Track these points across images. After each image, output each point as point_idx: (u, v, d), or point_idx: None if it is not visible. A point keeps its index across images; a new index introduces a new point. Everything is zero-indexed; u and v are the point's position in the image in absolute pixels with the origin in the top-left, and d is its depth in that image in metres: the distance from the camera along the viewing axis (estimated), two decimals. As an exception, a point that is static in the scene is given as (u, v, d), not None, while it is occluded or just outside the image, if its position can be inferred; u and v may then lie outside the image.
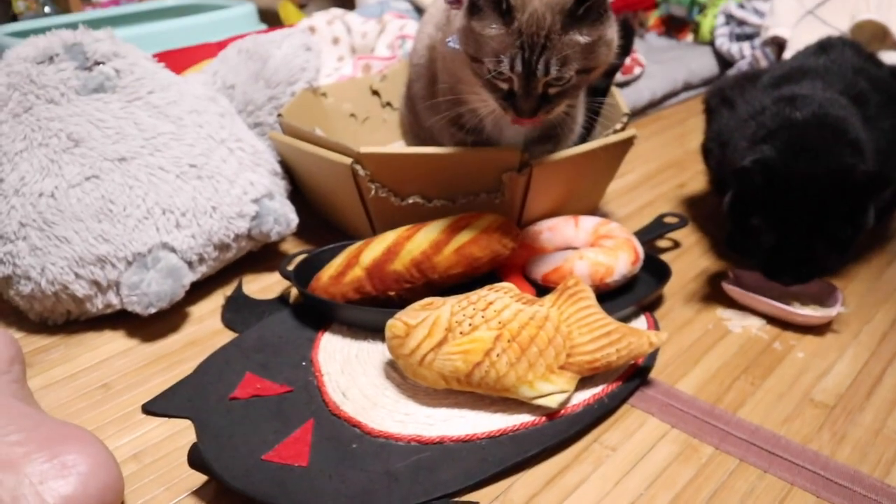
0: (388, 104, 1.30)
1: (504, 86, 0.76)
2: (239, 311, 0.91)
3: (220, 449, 0.67)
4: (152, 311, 0.85)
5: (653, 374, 0.78)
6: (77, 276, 0.85)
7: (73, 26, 0.97)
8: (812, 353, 0.81)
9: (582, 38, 0.73)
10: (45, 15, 1.84)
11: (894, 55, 1.47)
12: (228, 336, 0.87)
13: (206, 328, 0.89)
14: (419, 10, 1.73)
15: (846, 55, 1.02)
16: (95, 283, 0.86)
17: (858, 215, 0.81)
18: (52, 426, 0.64)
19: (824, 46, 1.07)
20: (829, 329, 0.85)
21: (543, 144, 0.94)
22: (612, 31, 0.77)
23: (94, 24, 0.99)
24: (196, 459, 0.63)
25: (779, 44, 1.66)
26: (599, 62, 0.77)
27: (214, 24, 1.64)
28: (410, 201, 0.92)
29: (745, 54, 1.75)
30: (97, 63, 0.93)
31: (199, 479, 0.66)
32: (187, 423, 0.72)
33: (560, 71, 0.73)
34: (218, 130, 0.97)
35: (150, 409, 0.75)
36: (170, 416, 0.74)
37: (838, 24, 1.58)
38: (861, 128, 0.88)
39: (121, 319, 0.89)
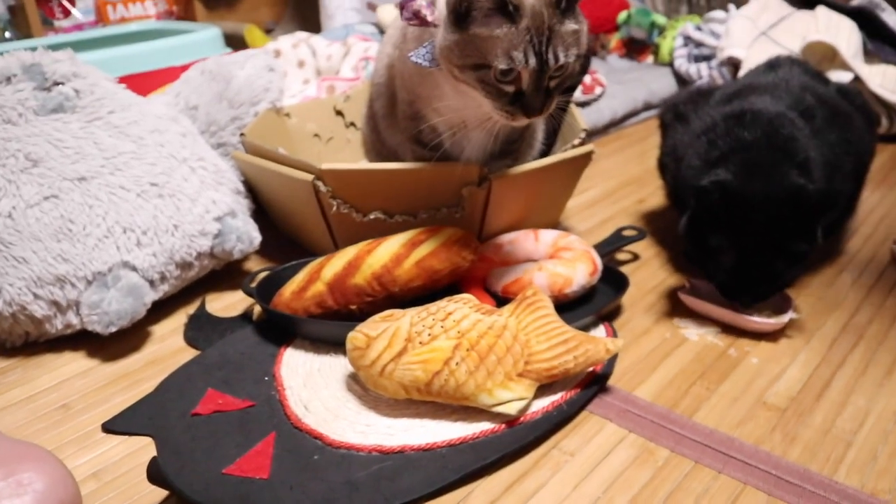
0: (352, 124, 1.32)
1: (510, 88, 0.77)
2: (201, 329, 0.91)
3: (180, 464, 0.67)
4: (113, 330, 0.84)
5: (611, 382, 0.79)
6: (36, 296, 0.85)
7: (34, 50, 0.97)
8: (765, 358, 0.83)
9: (573, 26, 0.77)
10: (6, 40, 1.83)
11: (843, 74, 1.52)
12: (191, 354, 0.86)
13: (169, 347, 0.89)
14: (384, 33, 1.76)
15: (794, 73, 1.06)
16: (55, 304, 0.85)
17: (810, 232, 0.84)
18: (8, 445, 0.63)
19: (773, 65, 1.11)
20: (781, 335, 0.87)
21: (503, 159, 0.96)
22: (584, 20, 0.80)
23: (57, 49, 1.00)
24: (155, 474, 0.63)
25: (734, 64, 1.71)
26: (583, 48, 0.80)
27: (180, 48, 1.64)
28: (372, 217, 0.93)
29: (703, 74, 1.80)
30: (56, 83, 0.93)
31: (160, 495, 0.66)
32: (148, 440, 0.72)
33: (566, 57, 0.76)
34: (179, 150, 0.98)
35: (110, 427, 0.74)
36: (130, 434, 0.73)
37: (790, 44, 1.63)
38: (810, 145, 0.91)
39: (81, 340, 0.89)
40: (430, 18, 0.80)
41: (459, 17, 0.75)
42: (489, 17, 0.74)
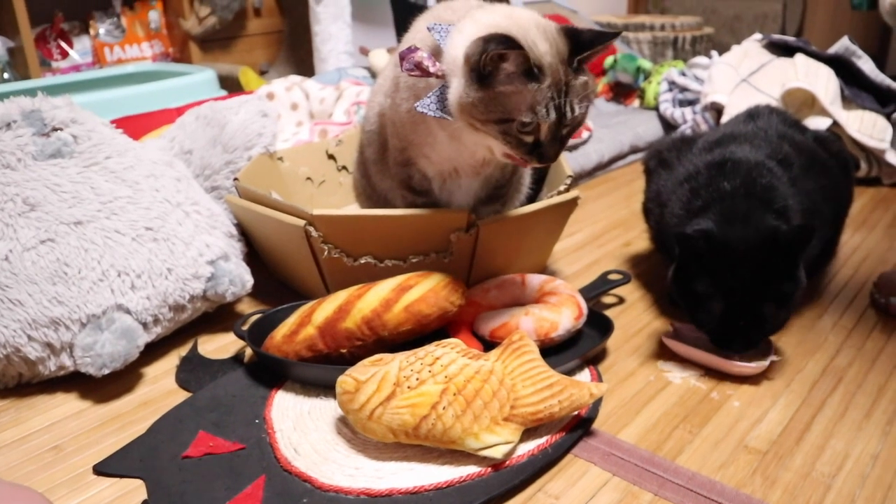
0: (344, 168, 1.34)
1: (529, 138, 0.81)
2: (193, 371, 0.92)
3: (170, 507, 0.68)
4: (106, 372, 0.85)
5: (596, 425, 0.81)
6: (30, 338, 0.86)
7: (32, 92, 1.00)
8: (747, 401, 0.85)
9: (584, 78, 0.82)
10: (5, 81, 1.86)
11: (822, 120, 1.56)
12: (183, 396, 0.88)
13: (161, 388, 0.90)
14: (375, 77, 1.80)
15: (772, 122, 1.10)
16: (49, 346, 0.87)
17: (792, 271, 0.86)
18: (0, 488, 0.64)
19: (752, 114, 1.15)
20: (763, 378, 0.89)
21: (491, 205, 0.99)
22: (589, 72, 0.85)
23: (54, 90, 1.02)
24: (146, 517, 0.64)
25: (717, 109, 1.76)
26: (592, 98, 0.85)
27: (175, 90, 1.67)
28: (362, 261, 0.95)
29: (687, 119, 1.84)
30: (55, 129, 0.96)
31: (149, 538, 0.66)
32: (139, 483, 0.73)
33: (580, 108, 0.81)
34: (174, 194, 1.00)
35: (102, 469, 0.75)
36: (121, 477, 0.74)
37: (771, 91, 1.68)
38: (788, 192, 0.94)
39: (74, 381, 0.90)
40: (432, 70, 0.83)
41: (482, 75, 0.78)
42: (513, 78, 0.78)
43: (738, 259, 0.85)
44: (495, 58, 0.76)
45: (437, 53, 0.84)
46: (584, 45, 0.81)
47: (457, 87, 0.81)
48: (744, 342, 0.88)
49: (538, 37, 0.79)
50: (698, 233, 0.86)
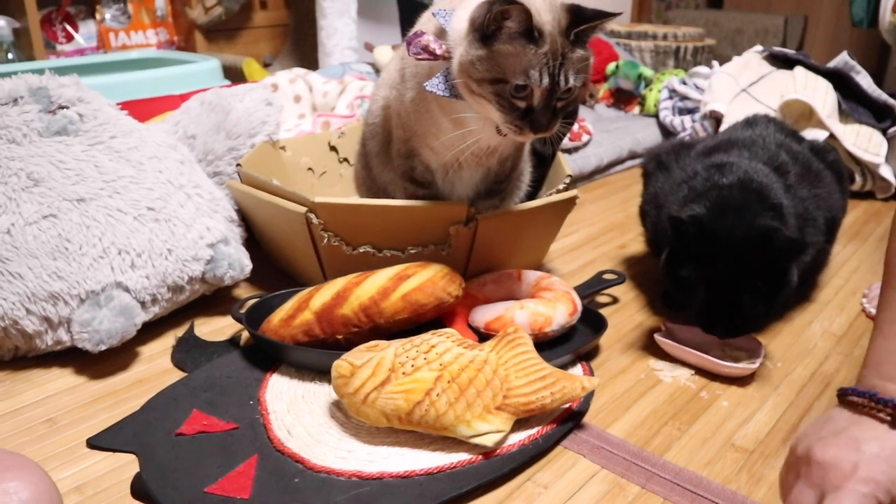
0: (345, 160, 1.35)
1: (522, 104, 0.81)
2: (189, 352, 0.93)
3: (163, 481, 0.68)
4: (102, 348, 0.86)
5: (586, 419, 0.82)
6: (28, 311, 0.86)
7: (37, 72, 1.00)
8: (736, 402, 0.86)
9: (582, 52, 0.83)
10: (9, 61, 1.86)
11: (818, 132, 1.58)
12: (177, 376, 0.88)
13: (156, 367, 0.90)
14: (379, 73, 1.81)
15: (769, 130, 1.11)
16: (46, 320, 0.87)
17: (780, 274, 0.87)
18: (-4, 455, 0.65)
19: (750, 122, 1.16)
20: (752, 380, 0.90)
21: (491, 199, 1.00)
22: (591, 50, 0.85)
23: (59, 72, 1.03)
24: (139, 489, 0.65)
25: (716, 118, 1.77)
26: (589, 76, 0.85)
27: (179, 77, 1.68)
28: (361, 250, 0.96)
29: (687, 127, 1.85)
30: (61, 107, 0.97)
31: (142, 511, 0.67)
32: (132, 457, 0.74)
33: (574, 80, 0.82)
34: (177, 176, 1.01)
35: (95, 443, 0.76)
36: (114, 451, 0.75)
37: (769, 102, 1.69)
38: (783, 194, 0.95)
39: (70, 356, 0.90)
40: (439, 52, 0.84)
41: (485, 35, 0.80)
42: (514, 38, 0.79)
43: (725, 249, 0.85)
44: (498, 15, 0.77)
45: (441, 36, 0.85)
46: (583, 19, 0.81)
47: (460, 51, 0.82)
48: (726, 329, 0.89)
49: (542, 6, 0.81)
50: (692, 218, 0.86)
